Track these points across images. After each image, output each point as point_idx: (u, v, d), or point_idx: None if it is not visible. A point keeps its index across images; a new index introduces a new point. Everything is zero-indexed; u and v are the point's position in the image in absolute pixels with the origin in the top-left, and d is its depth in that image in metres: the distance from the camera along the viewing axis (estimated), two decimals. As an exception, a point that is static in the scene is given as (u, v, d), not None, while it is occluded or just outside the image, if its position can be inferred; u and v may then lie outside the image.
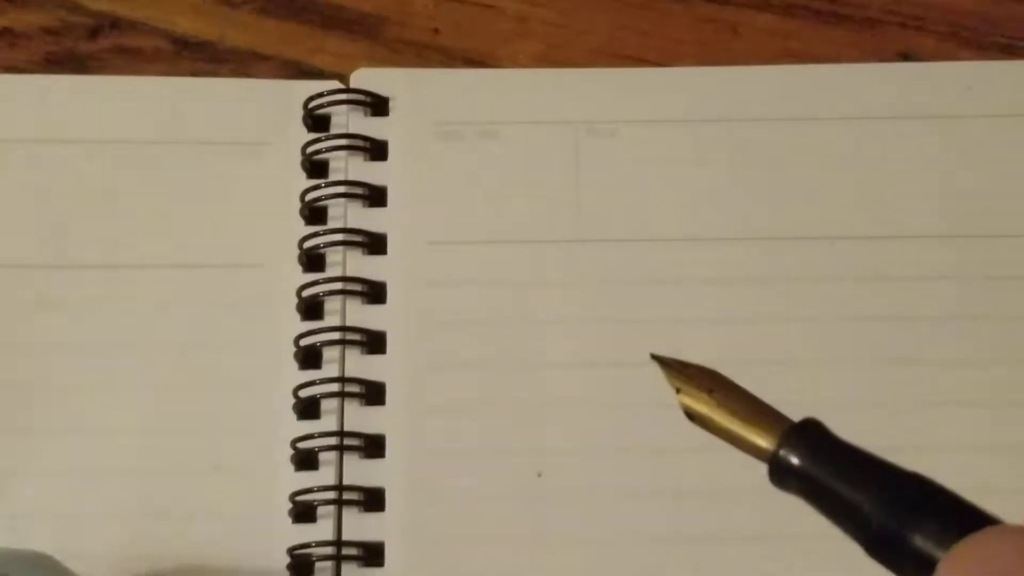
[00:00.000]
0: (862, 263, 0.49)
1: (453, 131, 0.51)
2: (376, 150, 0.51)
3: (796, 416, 0.27)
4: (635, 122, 0.51)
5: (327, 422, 0.47)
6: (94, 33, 0.52)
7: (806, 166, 0.50)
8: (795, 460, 0.26)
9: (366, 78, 0.52)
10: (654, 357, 0.29)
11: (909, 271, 0.48)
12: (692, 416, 0.28)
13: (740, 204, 0.50)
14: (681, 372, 0.28)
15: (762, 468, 0.28)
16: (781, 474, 0.27)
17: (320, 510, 0.46)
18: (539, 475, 0.46)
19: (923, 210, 0.49)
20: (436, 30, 0.53)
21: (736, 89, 0.51)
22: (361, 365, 0.48)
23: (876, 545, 0.26)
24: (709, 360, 0.45)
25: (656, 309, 0.48)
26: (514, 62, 0.52)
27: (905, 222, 0.49)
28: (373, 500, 0.46)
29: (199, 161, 0.50)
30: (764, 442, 0.27)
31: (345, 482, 0.46)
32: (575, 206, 0.50)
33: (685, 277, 0.49)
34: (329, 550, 0.45)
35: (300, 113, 0.51)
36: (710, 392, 0.28)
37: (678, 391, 0.28)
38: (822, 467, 0.26)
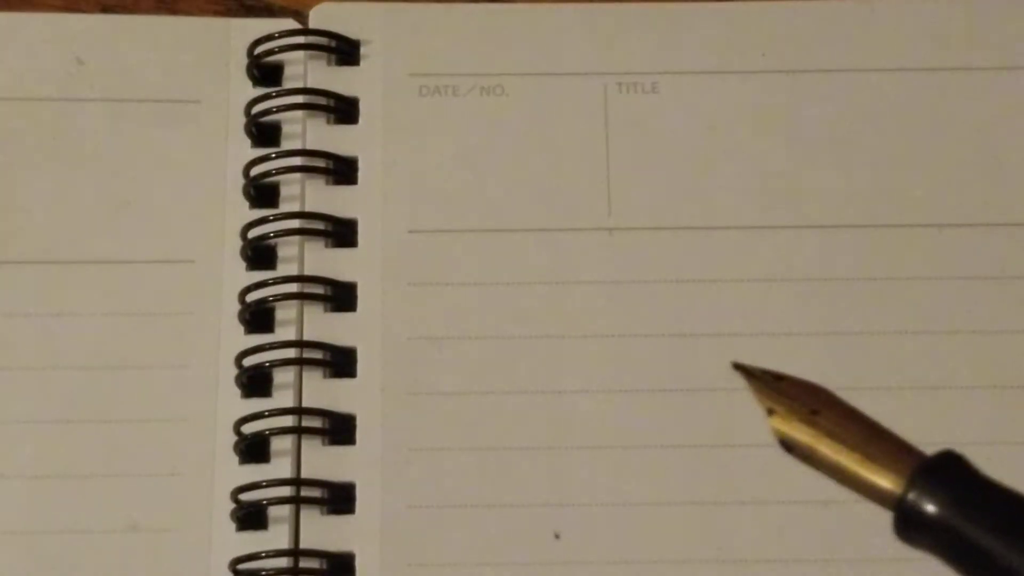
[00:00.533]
0: (981, 257, 0.48)
1: (444, 85, 0.50)
2: (343, 110, 0.50)
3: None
4: (682, 74, 0.50)
5: (279, 466, 0.46)
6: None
7: (913, 131, 0.49)
8: (930, 508, 0.25)
9: (330, 15, 0.51)
10: (737, 367, 0.28)
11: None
12: (789, 446, 0.27)
13: (822, 182, 0.49)
14: (774, 388, 0.27)
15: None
16: (911, 526, 0.25)
17: (275, 581, 0.45)
18: (556, 536, 0.46)
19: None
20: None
21: (816, 29, 0.51)
22: (323, 392, 0.47)
23: None
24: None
25: (709, 318, 0.48)
26: None
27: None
28: (339, 571, 0.45)
29: (109, 124, 0.50)
30: (887, 482, 0.26)
31: (303, 545, 0.45)
32: (603, 184, 0.49)
33: (747, 276, 0.48)
34: (282, 635, 0.44)
35: (243, 61, 0.50)
36: (813, 415, 0.26)
37: (770, 413, 0.27)
38: (968, 518, 0.25)
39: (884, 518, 0.43)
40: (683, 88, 0.50)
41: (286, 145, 0.49)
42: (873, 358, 0.47)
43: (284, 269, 0.48)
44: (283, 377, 0.47)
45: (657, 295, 0.48)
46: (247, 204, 0.49)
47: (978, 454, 0.44)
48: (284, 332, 0.48)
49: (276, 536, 0.46)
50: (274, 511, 0.46)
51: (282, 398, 0.47)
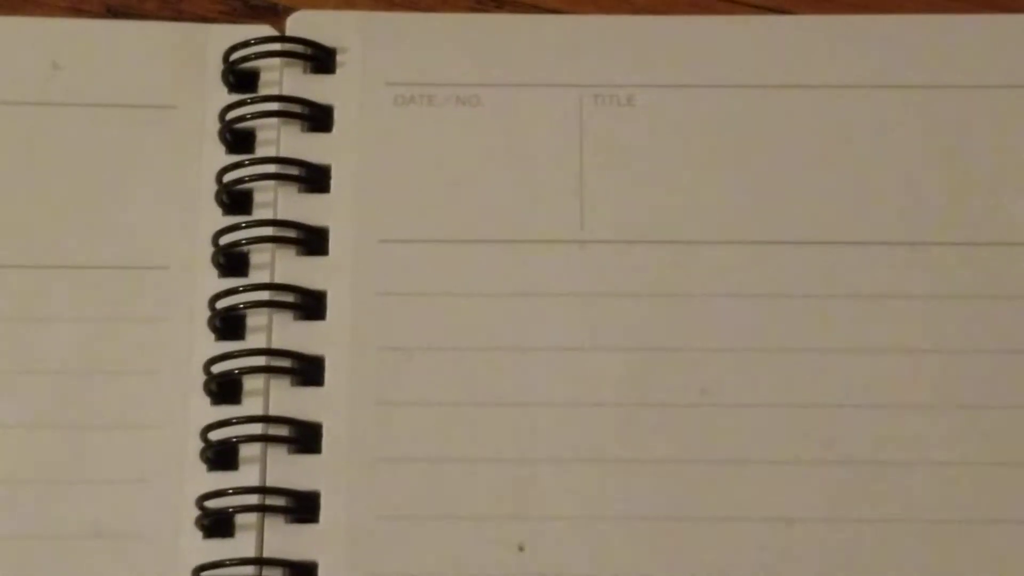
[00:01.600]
0: (952, 275, 0.48)
1: (419, 95, 0.50)
2: (318, 118, 0.50)
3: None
4: (658, 87, 0.50)
5: (246, 474, 0.46)
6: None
7: (889, 148, 0.49)
8: None
9: (307, 22, 0.51)
10: None
11: (1014, 287, 0.47)
12: None
13: (795, 198, 0.49)
14: None
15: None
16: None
17: (239, 590, 0.45)
18: (521, 549, 0.45)
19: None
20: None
21: (796, 44, 0.50)
22: (291, 400, 0.47)
23: None
24: (750, 403, 0.45)
25: (679, 333, 0.47)
26: (502, 5, 0.51)
27: (1012, 223, 0.48)
28: (304, 578, 0.45)
29: (84, 129, 0.50)
30: None
31: (267, 554, 0.45)
32: (576, 196, 0.49)
33: (718, 291, 0.48)
34: (245, 643, 0.44)
35: (219, 67, 0.50)
36: None
37: None
38: None
39: (846, 534, 0.43)
40: (659, 101, 0.50)
41: (260, 152, 0.49)
42: (843, 375, 0.47)
43: (256, 276, 0.48)
44: (253, 384, 0.47)
45: (628, 309, 0.48)
46: (220, 211, 0.49)
47: (943, 474, 0.44)
48: (255, 339, 0.47)
49: (242, 544, 0.46)
50: (241, 519, 0.46)
51: (251, 405, 0.47)
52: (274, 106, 0.49)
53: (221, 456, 0.47)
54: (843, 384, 0.47)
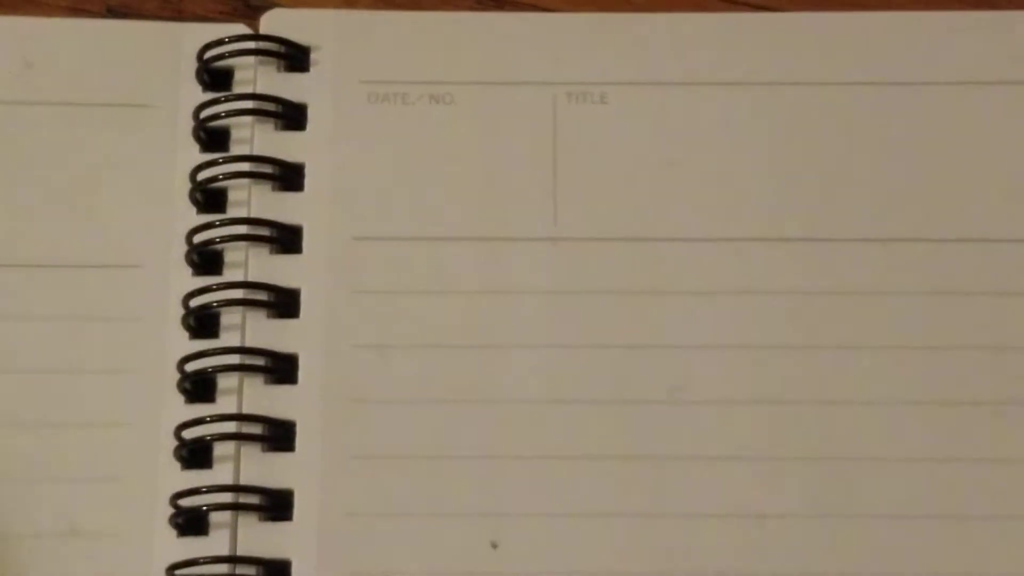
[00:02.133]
0: (929, 272, 0.48)
1: (393, 93, 0.50)
2: (291, 116, 0.50)
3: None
4: (632, 84, 0.50)
5: (220, 472, 0.46)
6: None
7: (857, 146, 0.49)
8: None
9: (281, 21, 0.51)
10: None
11: (995, 284, 0.47)
12: None
13: (773, 195, 0.49)
14: None
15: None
16: None
17: (211, 589, 0.45)
18: (494, 546, 0.45)
19: (1013, 205, 0.48)
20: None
21: (768, 41, 0.50)
22: (265, 398, 0.47)
23: None
24: (721, 400, 0.45)
25: (651, 330, 0.47)
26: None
27: (986, 220, 0.48)
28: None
29: (57, 128, 0.49)
30: None
31: (240, 552, 0.45)
32: (550, 194, 0.49)
33: (691, 289, 0.48)
34: (218, 641, 0.44)
35: (193, 65, 0.50)
36: None
37: None
38: None
39: (819, 529, 0.43)
40: (633, 99, 0.50)
41: (235, 151, 0.49)
42: (815, 372, 0.47)
43: (230, 275, 0.48)
44: (227, 383, 0.47)
45: (600, 306, 0.48)
46: (195, 209, 0.49)
47: (917, 470, 0.44)
48: (228, 338, 0.47)
49: (216, 542, 0.46)
50: (215, 517, 0.46)
51: (225, 404, 0.47)
52: (248, 104, 0.49)
53: (195, 454, 0.46)
54: (815, 381, 0.47)
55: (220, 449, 0.46)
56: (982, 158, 0.49)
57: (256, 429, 0.46)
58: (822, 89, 0.50)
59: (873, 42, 0.50)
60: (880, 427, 0.46)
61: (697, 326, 0.47)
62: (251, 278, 0.48)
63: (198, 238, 0.48)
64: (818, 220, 0.48)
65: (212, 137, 0.50)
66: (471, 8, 0.52)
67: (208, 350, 0.47)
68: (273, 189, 0.49)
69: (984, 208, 0.48)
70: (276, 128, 0.50)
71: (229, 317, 0.48)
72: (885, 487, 0.46)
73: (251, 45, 0.50)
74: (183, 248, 0.48)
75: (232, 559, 0.45)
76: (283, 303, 0.48)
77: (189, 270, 0.48)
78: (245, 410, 0.47)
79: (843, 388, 0.47)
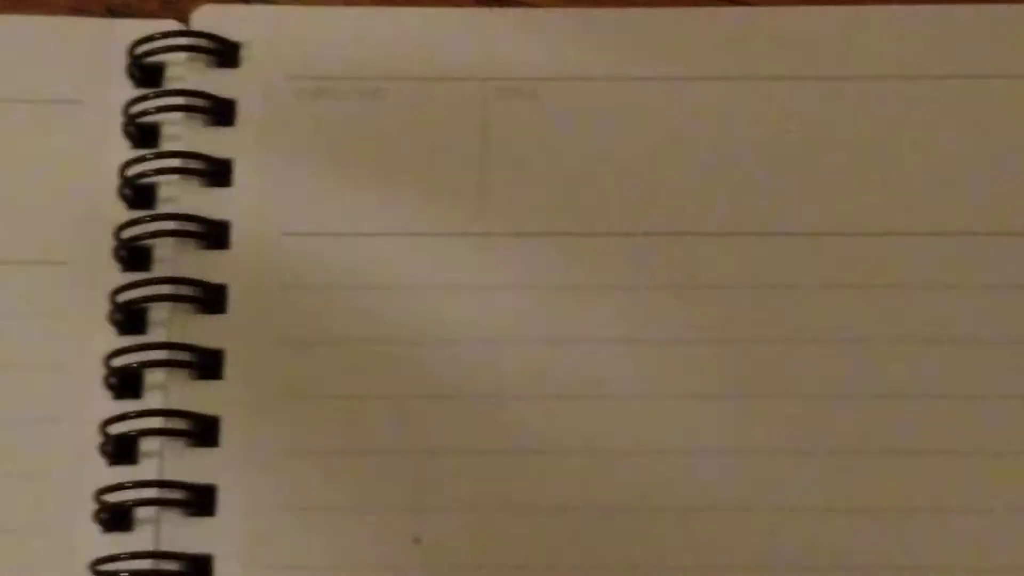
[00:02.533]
0: (853, 266, 0.47)
1: (323, 88, 0.50)
2: (220, 112, 0.49)
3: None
4: (561, 80, 0.50)
5: (145, 468, 0.46)
6: None
7: (789, 140, 0.49)
8: None
9: (212, 16, 0.51)
10: None
11: (917, 276, 0.47)
12: None
13: (699, 188, 0.48)
14: None
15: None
16: None
17: (135, 583, 0.45)
18: (417, 541, 0.45)
19: (944, 198, 0.48)
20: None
21: (705, 38, 0.50)
22: (190, 394, 0.47)
23: None
24: (641, 394, 0.45)
25: (577, 325, 0.47)
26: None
27: (919, 214, 0.48)
28: (199, 572, 0.45)
29: (-13, 123, 0.49)
30: None
31: (163, 547, 0.45)
32: (478, 189, 0.48)
33: (621, 283, 0.48)
34: (141, 637, 0.44)
35: (124, 61, 0.50)
36: None
37: None
38: None
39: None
40: (562, 94, 0.49)
41: (165, 147, 0.49)
42: (734, 366, 0.47)
43: (159, 270, 0.48)
44: (153, 378, 0.47)
45: (527, 300, 0.47)
46: (124, 205, 0.49)
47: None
48: (156, 333, 0.47)
49: (140, 537, 0.45)
50: (140, 513, 0.46)
51: (151, 399, 0.47)
52: (177, 100, 0.49)
53: (120, 450, 0.46)
54: (739, 373, 0.46)
55: (146, 445, 0.46)
56: (905, 152, 0.49)
57: (181, 425, 0.46)
58: (749, 83, 0.49)
59: (796, 37, 0.50)
60: (801, 419, 0.46)
61: (620, 321, 0.47)
62: (179, 274, 0.48)
63: (126, 234, 0.48)
64: (745, 213, 0.48)
65: (143, 133, 0.49)
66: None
67: (135, 346, 0.47)
68: (202, 185, 0.49)
69: (897, 203, 0.48)
70: (205, 124, 0.49)
71: (157, 313, 0.48)
72: (801, 479, 0.45)
73: (181, 41, 0.50)
74: (112, 244, 0.48)
75: (155, 554, 0.45)
76: (211, 299, 0.48)
77: (118, 266, 0.48)
78: (171, 406, 0.46)
79: (765, 381, 0.46)
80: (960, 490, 0.45)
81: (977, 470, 0.45)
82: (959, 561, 0.45)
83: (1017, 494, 0.45)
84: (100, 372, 0.47)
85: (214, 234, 0.48)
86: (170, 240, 0.48)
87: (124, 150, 0.49)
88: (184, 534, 0.45)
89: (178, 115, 0.49)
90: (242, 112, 0.49)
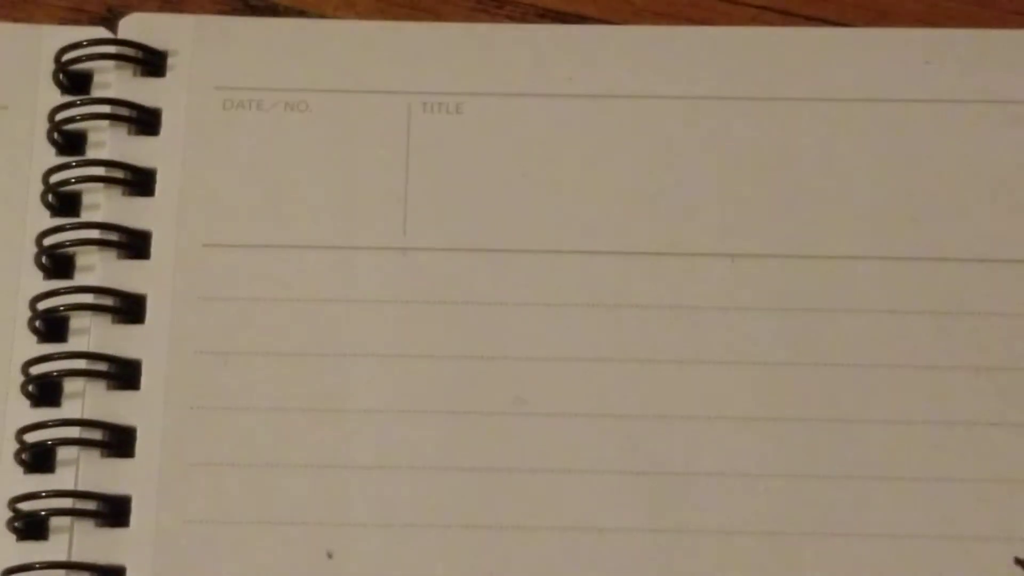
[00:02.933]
0: (773, 288, 0.48)
1: (248, 100, 0.49)
2: (145, 121, 0.49)
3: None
4: (487, 95, 0.50)
5: (61, 477, 0.46)
6: None
7: (710, 162, 0.49)
8: None
9: (140, 25, 0.51)
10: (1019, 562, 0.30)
11: (833, 301, 0.47)
12: None
13: (621, 208, 0.48)
14: None
15: None
16: None
17: (48, 593, 0.45)
18: (329, 556, 0.45)
19: (855, 224, 0.48)
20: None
21: (633, 56, 0.50)
22: (108, 404, 0.47)
23: None
24: (564, 412, 0.45)
25: (503, 342, 0.47)
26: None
27: (835, 238, 0.48)
28: (112, 583, 0.45)
29: (-92, 129, 0.49)
30: None
31: (75, 558, 0.45)
32: (401, 203, 0.48)
33: (544, 301, 0.48)
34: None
35: (51, 68, 0.50)
36: None
37: None
38: None
39: (657, 543, 0.43)
40: (487, 110, 0.49)
41: (90, 154, 0.49)
42: (657, 386, 0.47)
43: (80, 279, 0.48)
44: (73, 387, 0.47)
45: (448, 316, 0.48)
46: (48, 212, 0.48)
47: (755, 486, 0.45)
48: (76, 342, 0.47)
49: (54, 547, 0.45)
50: (55, 522, 0.46)
51: (70, 408, 0.47)
52: (103, 108, 0.49)
53: (37, 458, 0.46)
54: (657, 395, 0.47)
55: (62, 453, 0.46)
56: (855, 175, 0.49)
57: (97, 435, 0.46)
58: (679, 103, 0.49)
59: (724, 57, 0.50)
60: (719, 442, 0.46)
61: (543, 338, 0.47)
62: (100, 283, 0.48)
63: (48, 241, 0.48)
64: (667, 234, 0.48)
65: (69, 141, 0.49)
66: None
67: (54, 354, 0.47)
68: (125, 194, 0.49)
69: (836, 225, 0.48)
70: (130, 133, 0.49)
71: (78, 322, 0.47)
72: (723, 501, 0.46)
73: (109, 49, 0.50)
74: (34, 251, 0.48)
75: (68, 565, 0.45)
76: (130, 308, 0.47)
77: (40, 273, 0.48)
78: (88, 415, 0.46)
79: (681, 403, 0.46)
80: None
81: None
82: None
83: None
84: (19, 380, 0.47)
85: (135, 244, 0.48)
86: (93, 249, 0.48)
87: (49, 157, 0.49)
88: (98, 544, 0.45)
89: (104, 123, 0.49)
90: (167, 121, 0.49)
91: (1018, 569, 0.40)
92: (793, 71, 0.50)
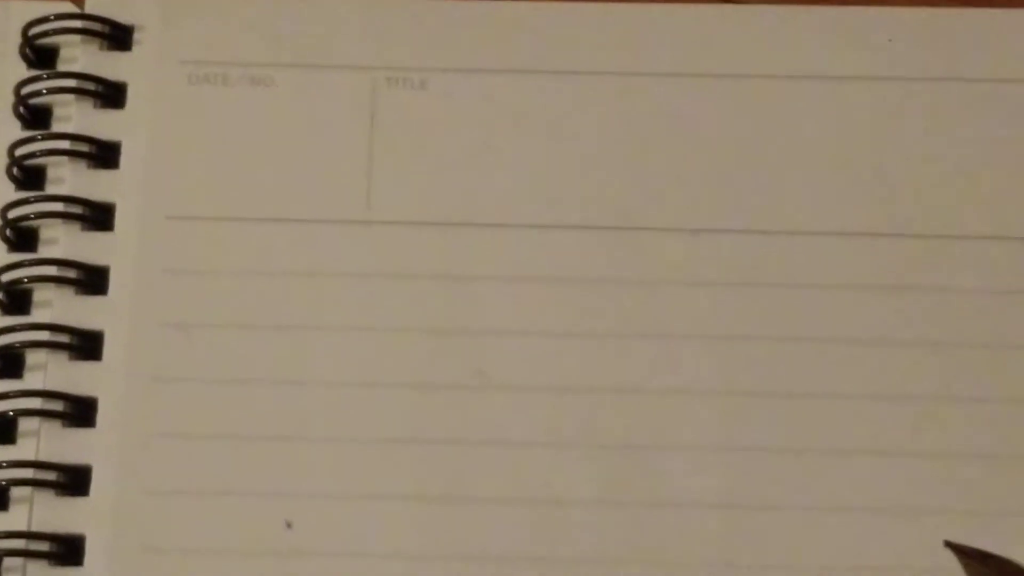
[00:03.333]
0: (731, 263, 0.47)
1: (213, 74, 0.49)
2: (111, 95, 0.49)
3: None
4: (451, 71, 0.50)
5: (23, 448, 0.46)
6: None
7: (672, 138, 0.49)
8: None
9: (106, 0, 0.50)
10: (948, 545, 0.32)
11: (793, 276, 0.47)
12: None
13: (584, 183, 0.48)
14: (983, 568, 0.27)
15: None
16: None
17: (6, 561, 0.45)
18: (288, 525, 0.45)
19: (816, 200, 0.48)
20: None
21: (595, 32, 0.50)
22: (69, 374, 0.47)
23: None
24: (526, 386, 0.45)
25: (465, 315, 0.47)
26: None
27: (795, 214, 0.48)
28: (71, 552, 0.45)
29: None
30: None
31: (36, 527, 0.45)
32: (365, 177, 0.48)
33: (506, 275, 0.48)
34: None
35: (17, 42, 0.50)
36: None
37: None
38: None
39: (616, 515, 0.43)
40: (452, 85, 0.49)
41: (56, 128, 0.49)
42: (616, 359, 0.47)
43: (44, 251, 0.48)
44: (35, 359, 0.47)
45: (410, 289, 0.47)
46: (13, 186, 0.48)
47: (714, 459, 0.45)
48: (39, 314, 0.47)
49: (14, 517, 0.45)
50: (16, 492, 0.46)
51: (32, 379, 0.47)
52: (69, 83, 0.49)
53: (2, 430, 0.46)
54: (618, 369, 0.46)
55: (24, 425, 0.46)
56: (816, 152, 0.49)
57: (59, 406, 0.46)
58: (641, 79, 0.49)
59: (696, 34, 0.50)
60: (680, 415, 0.46)
61: (505, 312, 0.47)
62: (63, 255, 0.47)
63: (12, 214, 0.48)
64: (629, 209, 0.48)
65: (35, 115, 0.49)
66: None
67: (17, 325, 0.47)
68: (90, 167, 0.49)
69: (796, 201, 0.48)
70: (96, 106, 0.49)
71: (41, 293, 0.47)
72: (682, 474, 0.46)
73: (75, 24, 0.50)
74: (-1, 224, 0.48)
75: (27, 535, 0.45)
76: (94, 280, 0.47)
77: (3, 246, 0.48)
78: (49, 386, 0.46)
79: (641, 376, 0.46)
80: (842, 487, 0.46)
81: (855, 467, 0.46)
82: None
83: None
84: (-18, 353, 0.47)
85: (100, 216, 0.48)
86: (57, 221, 0.48)
87: (15, 130, 0.49)
88: (58, 514, 0.45)
89: (70, 97, 0.49)
90: (133, 95, 0.49)
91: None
92: (756, 49, 0.50)
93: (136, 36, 0.50)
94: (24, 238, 0.48)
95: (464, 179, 0.48)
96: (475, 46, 0.50)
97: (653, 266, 0.48)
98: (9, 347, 0.47)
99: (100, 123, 0.49)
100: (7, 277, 0.47)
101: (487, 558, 0.45)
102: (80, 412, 0.46)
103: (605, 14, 0.50)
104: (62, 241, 0.48)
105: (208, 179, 0.48)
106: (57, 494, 0.46)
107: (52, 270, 0.47)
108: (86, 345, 0.47)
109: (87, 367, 0.47)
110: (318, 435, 0.46)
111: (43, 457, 0.46)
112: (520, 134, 0.49)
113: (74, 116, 0.49)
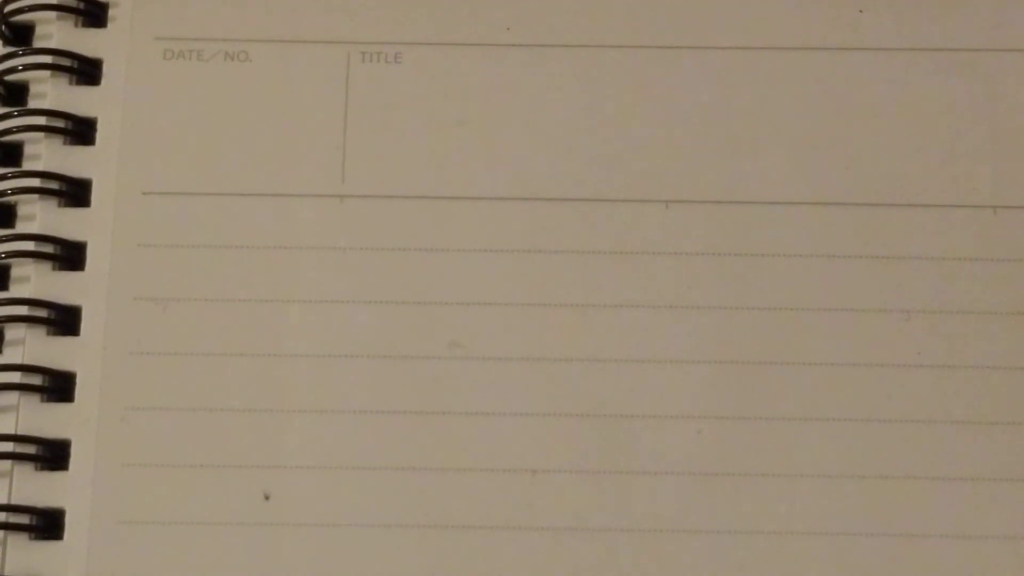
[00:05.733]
0: (703, 233, 0.47)
1: (188, 49, 0.49)
2: (87, 72, 0.49)
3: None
4: (425, 45, 0.49)
5: (2, 422, 0.46)
6: None
7: (645, 110, 0.48)
8: None
9: (83, -24, 0.50)
10: None
11: (767, 245, 0.47)
12: None
13: (557, 155, 0.48)
14: None
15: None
16: None
17: (-16, 540, 0.44)
18: (266, 498, 0.45)
19: (789, 170, 0.48)
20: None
21: (566, 5, 0.50)
22: (47, 349, 0.46)
23: None
24: (498, 356, 0.44)
25: (440, 287, 0.47)
26: None
27: (766, 184, 0.48)
28: (50, 525, 0.45)
29: None
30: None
31: (15, 500, 0.45)
32: (340, 152, 0.48)
33: (480, 247, 0.47)
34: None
35: (-6, 20, 0.49)
36: None
37: None
38: None
39: (590, 485, 0.42)
40: (426, 59, 0.49)
41: (32, 105, 0.48)
42: (592, 329, 0.46)
43: (21, 227, 0.47)
44: (13, 334, 0.46)
45: (385, 262, 0.47)
46: (-10, 163, 0.48)
47: (690, 428, 0.45)
48: (17, 290, 0.47)
49: (-6, 491, 0.45)
50: (-4, 466, 0.45)
51: (10, 355, 0.46)
52: (45, 59, 0.48)
53: (-22, 405, 0.46)
54: (593, 339, 0.46)
55: (2, 399, 0.46)
56: (788, 122, 0.48)
57: (37, 380, 0.45)
58: (614, 52, 0.49)
59: (668, 6, 0.50)
60: (653, 385, 0.46)
61: (479, 283, 0.47)
62: (40, 231, 0.47)
63: (-11, 191, 0.47)
64: (602, 181, 0.48)
65: (10, 91, 0.49)
66: None
67: (-5, 301, 0.46)
68: (66, 143, 0.48)
69: (767, 171, 0.48)
70: (72, 83, 0.49)
71: (19, 269, 0.47)
72: (658, 443, 0.45)
73: (51, 0, 0.49)
74: (-24, 201, 0.47)
75: (7, 508, 0.44)
76: (71, 256, 0.47)
77: (-19, 223, 0.47)
78: (28, 361, 0.46)
79: (617, 346, 0.46)
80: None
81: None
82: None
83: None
84: (-40, 331, 0.46)
85: (76, 192, 0.47)
86: (34, 197, 0.47)
87: (-8, 108, 0.48)
88: (37, 488, 0.45)
89: (45, 74, 0.49)
90: (108, 72, 0.49)
91: None
92: (728, 20, 0.49)
93: (111, 12, 0.49)
94: (1, 214, 0.47)
95: (438, 153, 0.48)
96: (449, 20, 0.49)
97: (627, 237, 0.47)
98: (-12, 323, 0.46)
99: (76, 99, 0.48)
100: (-16, 253, 0.46)
101: (464, 528, 0.45)
102: (59, 386, 0.46)
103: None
104: (39, 217, 0.47)
105: (183, 155, 0.48)
106: (36, 468, 0.45)
107: (30, 245, 0.47)
108: (64, 320, 0.46)
109: (65, 342, 0.46)
110: (295, 407, 0.45)
111: (22, 431, 0.45)
112: (494, 108, 0.48)
113: (50, 92, 0.48)
